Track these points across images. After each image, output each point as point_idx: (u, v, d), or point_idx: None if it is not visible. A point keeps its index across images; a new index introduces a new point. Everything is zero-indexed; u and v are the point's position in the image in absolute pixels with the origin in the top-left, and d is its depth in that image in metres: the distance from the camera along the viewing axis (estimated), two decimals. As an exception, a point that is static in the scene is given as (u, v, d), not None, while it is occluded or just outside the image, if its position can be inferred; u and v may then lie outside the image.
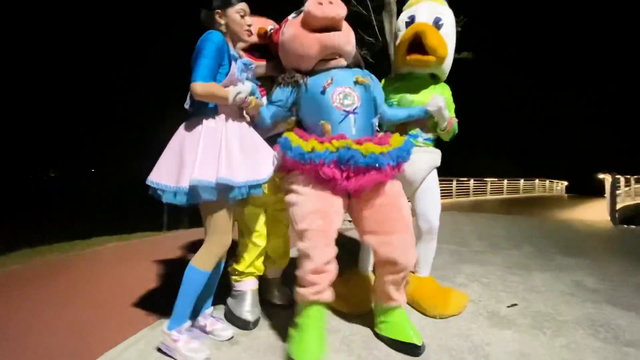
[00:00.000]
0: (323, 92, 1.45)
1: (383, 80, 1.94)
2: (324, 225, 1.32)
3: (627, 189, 12.27)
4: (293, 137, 1.42)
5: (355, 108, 1.45)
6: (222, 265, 1.53)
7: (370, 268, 1.93)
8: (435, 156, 1.90)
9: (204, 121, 1.32)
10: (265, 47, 1.72)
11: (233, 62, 1.36)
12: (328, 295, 1.31)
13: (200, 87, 1.24)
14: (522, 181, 15.72)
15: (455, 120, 1.87)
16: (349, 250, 1.94)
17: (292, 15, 1.60)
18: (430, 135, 1.88)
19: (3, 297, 1.98)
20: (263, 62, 1.71)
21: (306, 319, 1.31)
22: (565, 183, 23.99)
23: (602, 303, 1.99)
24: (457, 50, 5.32)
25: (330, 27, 1.47)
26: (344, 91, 1.45)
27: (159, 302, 1.79)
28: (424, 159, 1.83)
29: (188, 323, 1.39)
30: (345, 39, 1.53)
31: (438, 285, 1.89)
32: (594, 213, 8.34)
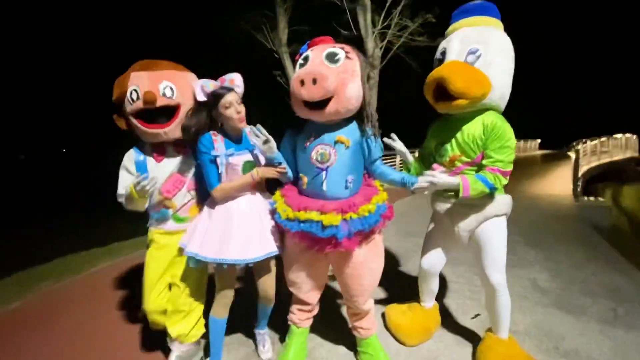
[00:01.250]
0: (305, 149, 1.53)
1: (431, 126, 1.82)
2: (305, 277, 1.67)
3: (593, 148, 13.09)
4: (279, 202, 1.57)
5: (329, 166, 1.49)
6: (268, 309, 1.88)
7: (430, 304, 2.05)
8: (486, 207, 1.63)
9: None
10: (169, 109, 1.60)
11: (218, 158, 1.55)
12: (306, 323, 1.82)
13: (219, 192, 1.56)
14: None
15: (491, 176, 1.51)
16: (409, 282, 2.13)
17: (301, 52, 1.56)
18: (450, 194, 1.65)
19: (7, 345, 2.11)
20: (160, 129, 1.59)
21: (290, 338, 1.81)
22: (538, 140, 25.15)
23: (550, 307, 2.33)
24: (434, 37, 5.23)
25: (317, 104, 1.41)
26: (322, 149, 1.49)
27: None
28: (466, 211, 1.65)
29: None
30: (337, 107, 1.41)
31: (520, 351, 1.73)
32: (562, 181, 8.94)
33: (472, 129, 1.57)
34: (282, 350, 1.83)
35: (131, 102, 1.49)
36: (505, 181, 1.51)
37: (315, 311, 1.83)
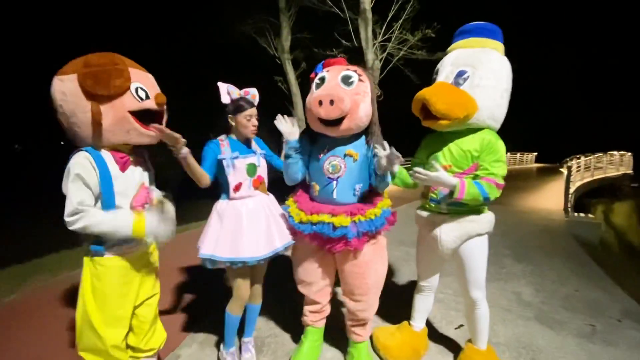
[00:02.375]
0: (318, 160, 1.69)
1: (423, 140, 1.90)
2: (314, 277, 1.82)
3: (587, 164, 13.27)
4: (292, 207, 1.75)
5: (339, 176, 1.65)
6: (257, 307, 1.98)
7: (421, 325, 2.04)
8: (469, 224, 1.67)
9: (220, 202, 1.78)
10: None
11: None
12: (319, 324, 1.95)
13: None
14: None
15: (487, 183, 1.55)
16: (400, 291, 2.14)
17: (316, 72, 1.70)
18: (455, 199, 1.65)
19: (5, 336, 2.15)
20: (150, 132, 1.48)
21: (305, 337, 1.94)
22: (535, 154, 25.39)
23: (531, 320, 2.41)
24: (433, 51, 5.37)
25: (333, 122, 1.56)
26: (334, 161, 1.65)
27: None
28: (450, 229, 1.69)
29: (234, 348, 1.94)
30: (349, 125, 1.56)
31: None
32: (555, 195, 9.07)
33: (466, 143, 1.63)
34: (297, 348, 1.95)
35: (139, 99, 1.36)
36: (498, 194, 1.56)
37: (327, 312, 1.95)
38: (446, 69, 1.70)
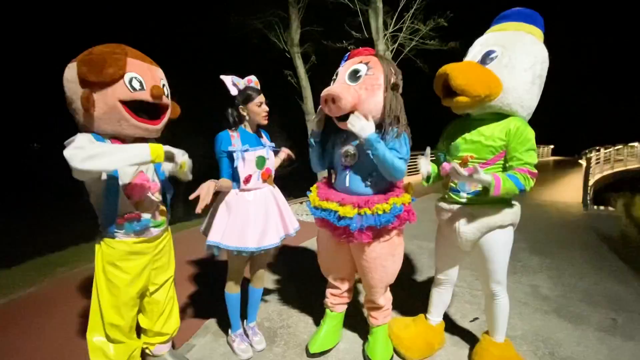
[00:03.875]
0: (338, 148, 1.72)
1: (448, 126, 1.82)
2: (332, 263, 1.89)
3: (607, 156, 12.84)
4: (313, 192, 1.81)
5: (352, 165, 1.66)
6: (259, 290, 2.03)
7: (438, 319, 1.98)
8: (491, 215, 1.57)
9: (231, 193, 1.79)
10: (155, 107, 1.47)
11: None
12: (339, 308, 1.98)
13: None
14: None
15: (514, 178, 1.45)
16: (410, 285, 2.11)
17: (342, 63, 1.67)
18: (478, 188, 1.58)
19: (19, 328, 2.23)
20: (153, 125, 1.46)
21: (324, 321, 1.98)
22: (551, 146, 24.72)
23: (550, 314, 2.35)
24: (446, 40, 5.25)
25: (341, 117, 1.57)
26: (348, 150, 1.67)
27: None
28: (469, 220, 1.62)
29: (240, 330, 1.99)
30: (360, 120, 1.52)
31: (514, 354, 1.76)
32: (573, 188, 8.82)
33: (491, 131, 1.54)
34: (315, 331, 2.00)
35: (131, 89, 1.32)
36: (532, 183, 1.47)
37: (348, 298, 1.99)
38: (474, 49, 1.63)
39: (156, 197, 1.54)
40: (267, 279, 2.59)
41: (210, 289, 2.73)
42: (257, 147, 1.80)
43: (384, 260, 1.69)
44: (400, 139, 1.56)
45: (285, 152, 2.07)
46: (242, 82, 1.79)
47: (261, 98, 1.78)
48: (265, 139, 1.90)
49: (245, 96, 1.76)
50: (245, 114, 1.79)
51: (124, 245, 1.43)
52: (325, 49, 5.65)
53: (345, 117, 1.55)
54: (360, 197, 1.61)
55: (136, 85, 1.35)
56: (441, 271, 1.91)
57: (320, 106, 1.64)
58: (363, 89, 1.53)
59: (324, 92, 1.55)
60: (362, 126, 1.49)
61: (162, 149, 1.31)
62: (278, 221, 1.85)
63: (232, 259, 1.84)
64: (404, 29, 4.88)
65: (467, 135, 1.62)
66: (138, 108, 1.37)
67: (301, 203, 6.53)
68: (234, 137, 1.75)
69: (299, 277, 2.95)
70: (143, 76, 1.38)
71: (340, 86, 1.54)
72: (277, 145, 1.96)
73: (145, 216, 1.47)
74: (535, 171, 1.49)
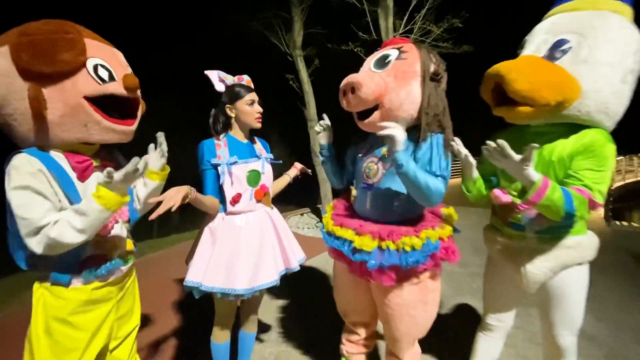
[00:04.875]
0: (360, 160, 1.39)
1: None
2: (350, 302, 1.50)
3: (618, 167, 12.45)
4: (328, 212, 1.47)
5: (374, 183, 1.30)
6: (251, 335, 1.70)
7: None
8: (566, 252, 1.23)
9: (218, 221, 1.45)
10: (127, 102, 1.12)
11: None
12: (357, 358, 1.56)
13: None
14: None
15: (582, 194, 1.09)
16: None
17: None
18: (548, 225, 1.21)
19: None
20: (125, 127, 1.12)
21: None
22: None
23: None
24: (459, 43, 4.89)
25: (363, 114, 1.28)
26: (371, 162, 1.33)
27: None
28: (539, 259, 1.25)
29: None
30: (380, 117, 1.22)
31: None
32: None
33: (559, 149, 1.16)
34: None
35: (99, 81, 1.00)
36: (588, 214, 1.10)
37: (368, 347, 1.59)
38: (537, 38, 1.23)
39: (127, 226, 1.22)
40: (263, 309, 2.21)
41: (189, 325, 2.34)
42: (249, 160, 1.45)
43: (411, 308, 1.28)
44: (438, 148, 1.19)
45: (297, 168, 1.74)
46: (230, 78, 1.48)
47: (252, 96, 1.47)
48: (261, 148, 1.56)
49: (233, 94, 1.45)
50: (233, 115, 1.47)
51: (80, 294, 1.05)
52: (329, 52, 5.35)
53: (367, 114, 1.24)
54: (383, 226, 1.25)
55: (104, 74, 1.02)
56: (493, 314, 1.50)
57: (323, 116, 1.47)
58: (391, 75, 1.19)
59: (343, 81, 1.25)
60: (399, 132, 1.10)
61: (110, 193, 0.95)
62: (277, 252, 1.50)
63: (218, 303, 1.49)
64: (414, 30, 4.56)
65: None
66: (107, 105, 1.03)
67: (302, 215, 6.15)
68: (220, 146, 1.42)
69: (303, 305, 2.55)
70: (110, 63, 1.05)
71: (362, 73, 1.26)
72: (276, 156, 1.61)
73: (115, 255, 1.13)
74: (601, 202, 1.10)
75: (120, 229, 1.17)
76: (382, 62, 1.24)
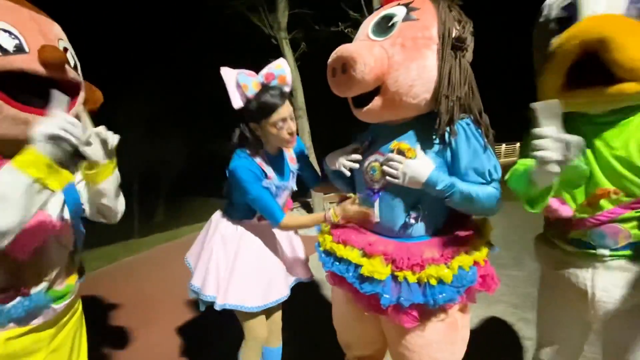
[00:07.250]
0: (362, 159, 1.09)
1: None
2: (353, 333, 1.25)
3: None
4: (324, 226, 1.19)
5: (381, 188, 1.01)
6: (277, 350, 1.55)
7: None
8: None
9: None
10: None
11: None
12: None
13: (282, 228, 1.27)
14: (503, 146, 15.57)
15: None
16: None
17: None
18: (627, 241, 0.91)
19: None
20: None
21: None
22: (518, 144, 24.57)
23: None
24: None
25: (360, 100, 1.00)
26: (375, 162, 1.02)
27: None
28: (613, 282, 0.95)
29: None
30: (383, 104, 0.96)
31: None
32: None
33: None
34: None
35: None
36: None
37: None
38: None
39: (65, 244, 0.93)
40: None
41: (194, 336, 2.12)
42: (287, 182, 1.36)
43: (435, 350, 1.01)
44: (477, 140, 0.92)
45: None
46: (252, 83, 1.14)
47: (284, 111, 1.16)
48: (292, 157, 1.39)
49: (259, 108, 1.15)
50: (259, 134, 1.23)
51: (9, 343, 0.80)
52: (317, 35, 5.02)
53: (365, 99, 0.95)
54: (399, 245, 0.97)
55: (8, 43, 0.74)
56: (551, 346, 1.17)
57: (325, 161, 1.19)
58: (397, 45, 0.89)
59: (332, 55, 0.94)
60: (413, 170, 0.88)
61: (42, 156, 0.67)
62: (291, 263, 1.47)
63: (244, 315, 1.35)
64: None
65: (597, 157, 0.91)
66: (18, 87, 0.76)
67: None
68: (263, 164, 1.24)
69: (298, 325, 2.30)
70: (21, 29, 0.77)
71: (357, 43, 0.97)
72: None
73: (38, 288, 0.85)
74: None
75: (56, 252, 0.88)
76: (385, 26, 0.93)
